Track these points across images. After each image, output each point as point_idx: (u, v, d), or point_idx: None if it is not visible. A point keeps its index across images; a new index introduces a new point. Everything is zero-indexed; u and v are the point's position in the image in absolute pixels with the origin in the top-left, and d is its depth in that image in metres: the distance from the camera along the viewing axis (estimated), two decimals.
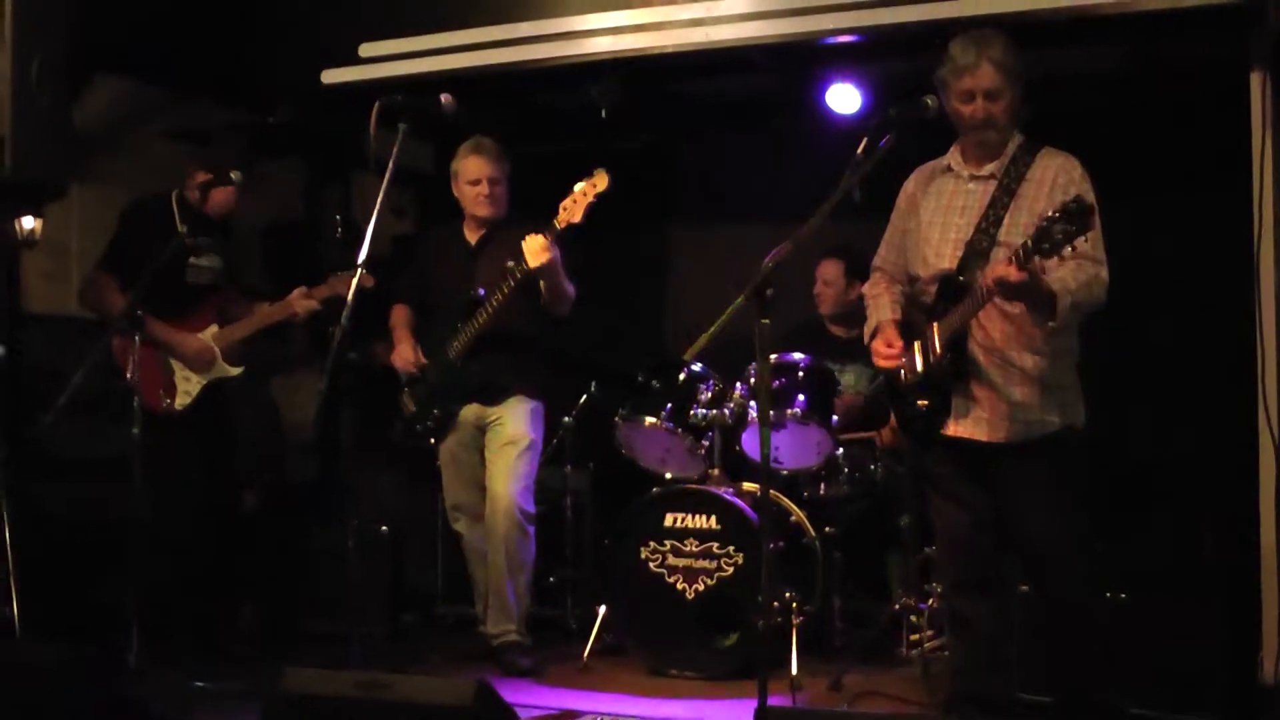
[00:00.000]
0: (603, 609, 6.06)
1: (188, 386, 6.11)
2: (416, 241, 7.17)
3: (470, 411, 6.03)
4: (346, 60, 6.46)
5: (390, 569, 6.77)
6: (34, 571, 5.71)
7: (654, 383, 6.18)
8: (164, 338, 6.05)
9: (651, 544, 5.97)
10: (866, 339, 4.74)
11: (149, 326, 5.83)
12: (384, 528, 6.66)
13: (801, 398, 5.95)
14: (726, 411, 6.03)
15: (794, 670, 5.56)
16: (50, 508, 6.36)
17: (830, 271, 6.77)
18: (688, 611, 5.88)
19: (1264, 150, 5.06)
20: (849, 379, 6.47)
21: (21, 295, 6.79)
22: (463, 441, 6.08)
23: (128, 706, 4.33)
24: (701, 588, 5.87)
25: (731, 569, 5.83)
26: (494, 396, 6.00)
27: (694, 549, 5.90)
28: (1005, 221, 4.40)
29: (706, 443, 6.13)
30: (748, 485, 6.14)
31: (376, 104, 5.06)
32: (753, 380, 5.97)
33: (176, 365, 6.11)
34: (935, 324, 4.44)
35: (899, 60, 6.07)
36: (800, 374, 6.01)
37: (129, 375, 5.65)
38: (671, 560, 5.93)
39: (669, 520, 5.95)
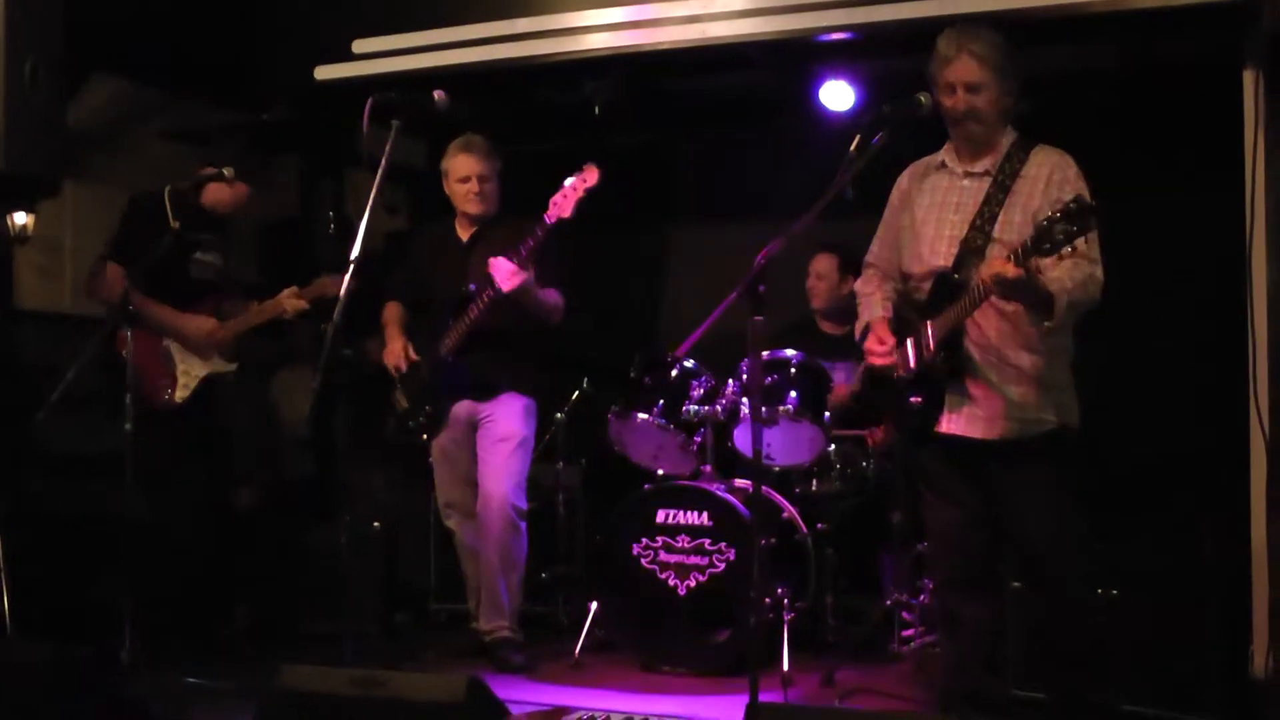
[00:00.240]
0: (595, 605, 6.06)
1: (187, 380, 6.12)
2: (409, 238, 7.17)
3: (462, 408, 6.03)
4: (340, 57, 6.46)
5: (384, 566, 6.79)
6: (27, 569, 5.71)
7: (646, 379, 6.18)
8: (167, 320, 6.05)
9: (643, 540, 5.98)
10: (858, 336, 4.75)
11: (151, 310, 5.86)
12: (377, 525, 6.66)
13: (794, 394, 5.95)
14: (719, 408, 6.04)
15: (786, 666, 5.57)
16: (43, 504, 6.35)
17: (823, 265, 6.78)
18: (680, 608, 5.89)
19: (1257, 148, 5.06)
20: (839, 376, 6.48)
21: (14, 291, 6.79)
22: (455, 438, 6.08)
23: (122, 704, 4.33)
24: (693, 584, 5.88)
25: (723, 565, 5.83)
26: (486, 393, 6.00)
27: (686, 545, 5.90)
28: (1000, 219, 4.40)
29: (699, 439, 6.14)
30: (740, 481, 6.15)
31: (369, 101, 5.06)
32: (745, 377, 5.98)
33: (177, 356, 6.11)
34: (929, 322, 4.44)
35: (893, 57, 6.07)
36: (793, 370, 6.02)
37: (128, 367, 5.67)
38: (663, 556, 5.94)
39: (661, 516, 5.96)
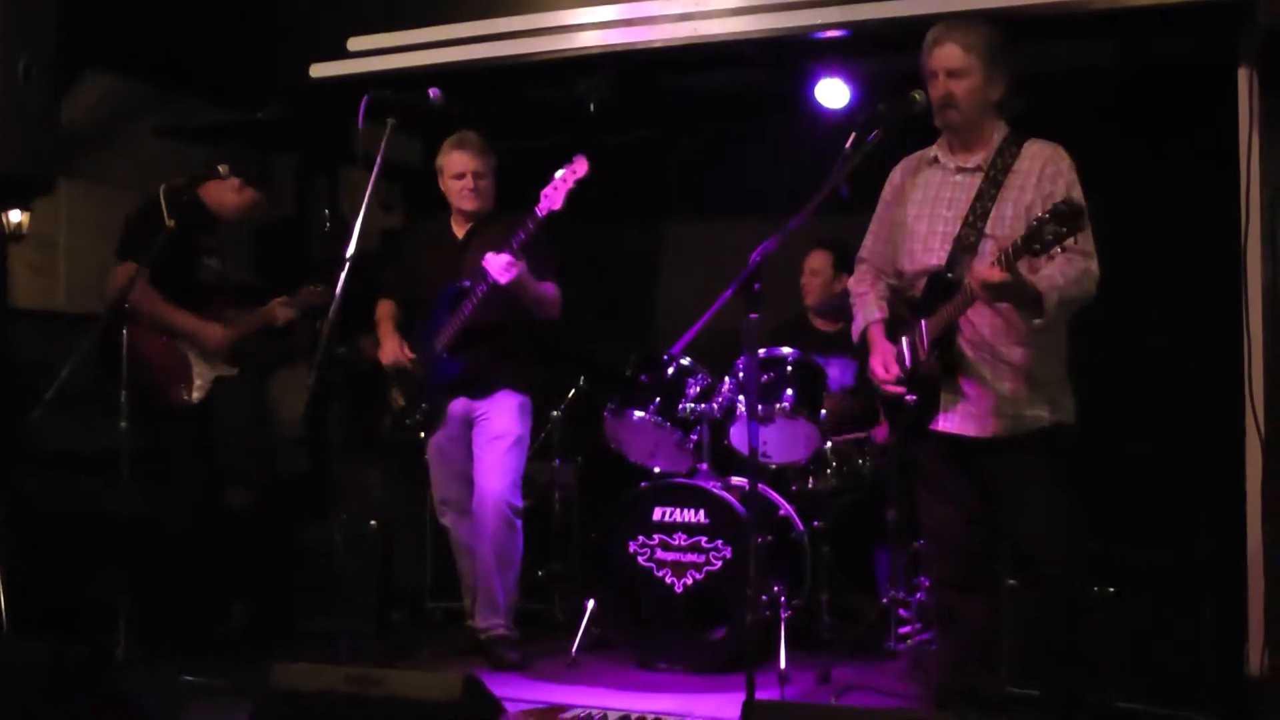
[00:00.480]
0: (591, 603, 6.06)
1: (202, 381, 6.12)
2: (403, 236, 7.17)
3: (458, 405, 6.02)
4: (335, 54, 6.45)
5: (379, 564, 6.78)
6: (22, 567, 5.71)
7: (642, 376, 6.18)
8: (183, 324, 6.05)
9: (640, 538, 5.98)
10: (855, 338, 4.74)
11: (168, 313, 5.91)
12: (373, 523, 6.66)
13: (790, 392, 5.95)
14: (715, 405, 6.04)
15: (782, 664, 5.57)
16: (38, 502, 6.35)
17: (818, 262, 6.77)
18: (676, 605, 5.89)
19: (1251, 147, 5.06)
20: (833, 372, 6.47)
21: (8, 289, 6.78)
22: (450, 436, 6.07)
23: (117, 702, 4.33)
24: (690, 582, 5.88)
25: (720, 563, 5.83)
26: (481, 390, 5.99)
27: (682, 543, 5.90)
28: (992, 214, 4.40)
29: (695, 437, 6.14)
30: (736, 479, 6.15)
31: (365, 98, 5.06)
32: (741, 374, 5.98)
33: (191, 357, 6.11)
34: (924, 320, 4.44)
35: (888, 55, 6.07)
36: (789, 368, 6.01)
37: (146, 368, 5.78)
38: (660, 554, 5.94)
39: (657, 514, 5.96)
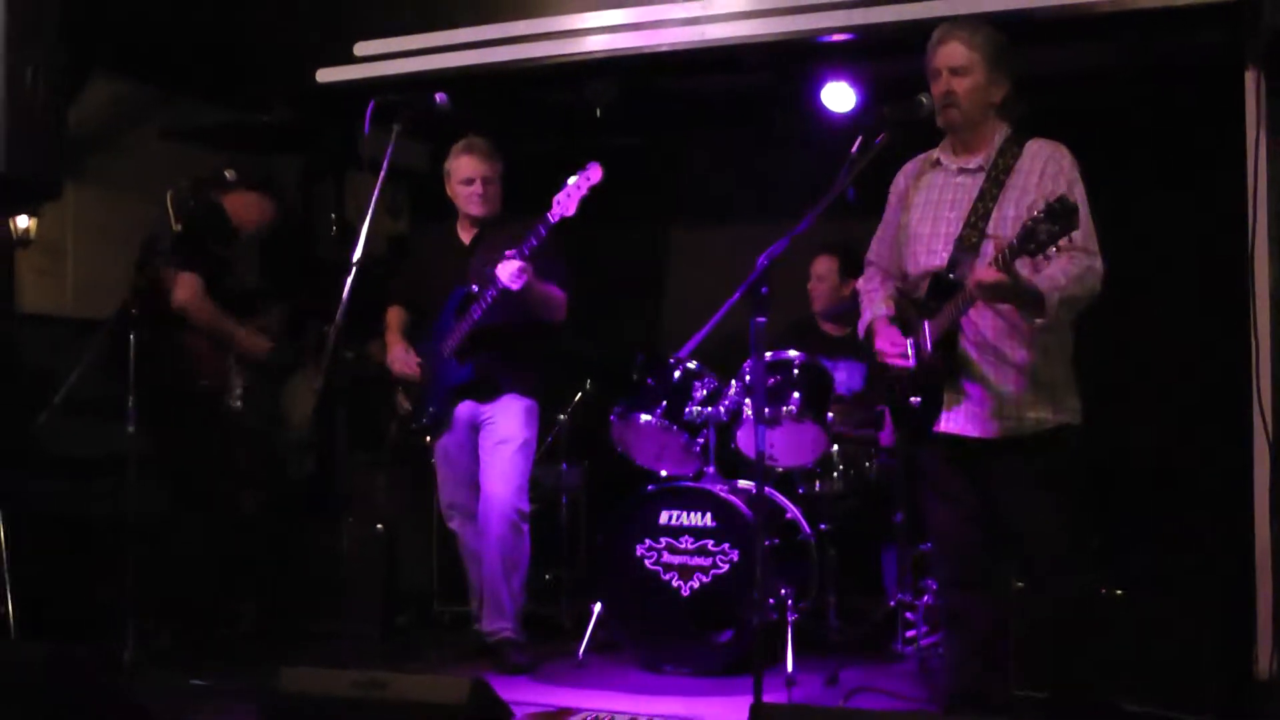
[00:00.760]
0: (598, 606, 6.06)
1: (239, 390, 6.16)
2: (410, 242, 7.18)
3: (464, 410, 6.03)
4: (341, 59, 6.46)
5: (386, 568, 6.77)
6: (29, 570, 5.71)
7: (649, 380, 6.18)
8: (231, 332, 6.13)
9: (647, 541, 5.98)
10: (861, 334, 4.74)
11: (219, 321, 6.05)
12: (379, 526, 6.66)
13: (796, 395, 5.95)
14: (722, 409, 6.04)
15: (789, 667, 5.57)
16: (46, 506, 6.35)
17: (823, 267, 6.78)
18: (683, 608, 5.89)
19: (1258, 147, 5.05)
20: (840, 375, 6.47)
21: (16, 294, 6.79)
22: (457, 440, 6.08)
23: (123, 705, 4.33)
24: (696, 585, 5.88)
25: (727, 566, 5.83)
26: (488, 394, 5.99)
27: (689, 546, 5.90)
28: (994, 215, 4.38)
29: (701, 440, 6.13)
30: (743, 482, 6.15)
31: (371, 103, 5.06)
32: (748, 378, 5.98)
33: (232, 365, 6.14)
34: (927, 321, 4.44)
35: (894, 58, 6.07)
36: (795, 371, 6.01)
37: (198, 375, 5.93)
38: (666, 557, 5.94)
39: (664, 518, 5.96)
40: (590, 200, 5.64)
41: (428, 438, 6.11)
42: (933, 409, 4.46)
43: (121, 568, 5.54)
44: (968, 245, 4.39)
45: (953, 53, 4.43)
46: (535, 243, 5.67)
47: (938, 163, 4.61)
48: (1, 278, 6.66)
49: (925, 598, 5.90)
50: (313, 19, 6.68)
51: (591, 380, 7.03)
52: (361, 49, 6.44)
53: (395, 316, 6.25)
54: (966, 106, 4.45)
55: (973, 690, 4.58)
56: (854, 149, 4.30)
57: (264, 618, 6.58)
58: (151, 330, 5.71)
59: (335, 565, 5.86)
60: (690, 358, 6.08)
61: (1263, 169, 5.05)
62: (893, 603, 6.00)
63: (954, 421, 4.44)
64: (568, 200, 5.64)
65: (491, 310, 5.82)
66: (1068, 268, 4.18)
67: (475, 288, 5.87)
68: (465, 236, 6.12)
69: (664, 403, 6.10)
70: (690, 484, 6.06)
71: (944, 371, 4.42)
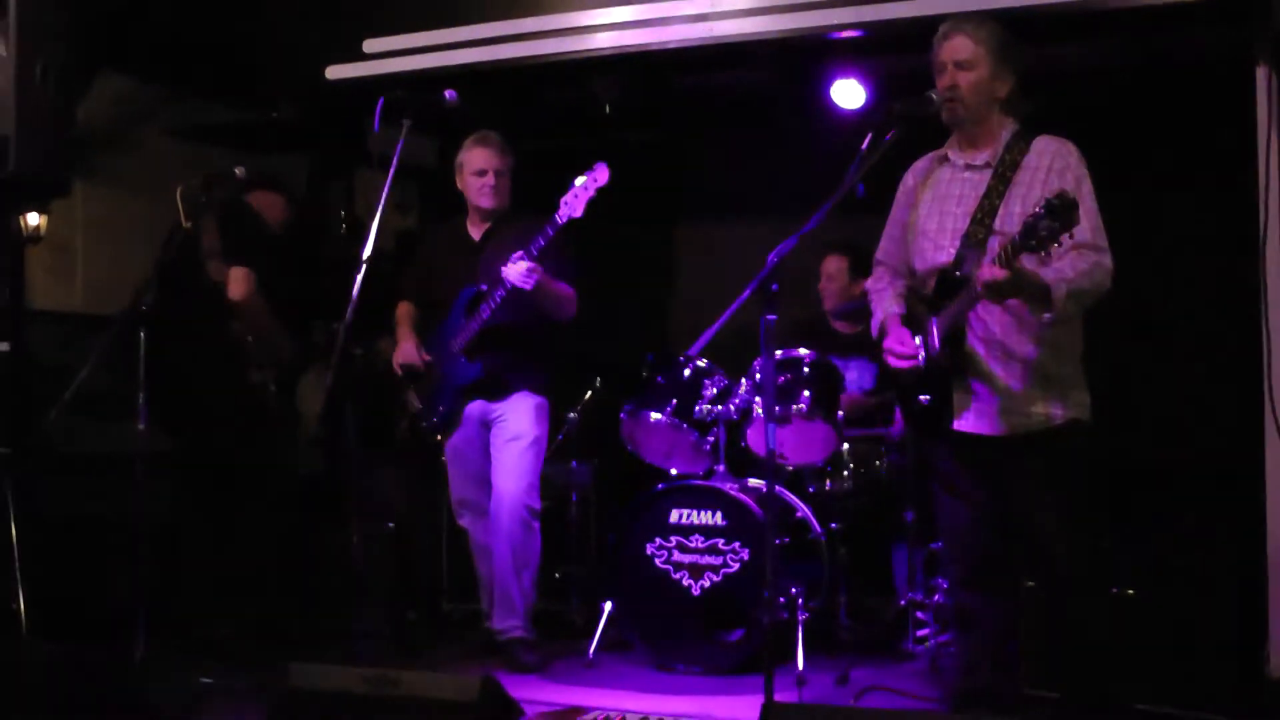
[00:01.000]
0: (608, 605, 6.05)
1: (271, 384, 6.20)
2: (420, 238, 7.18)
3: (475, 407, 6.03)
4: (350, 56, 6.46)
5: (396, 565, 6.78)
6: (40, 568, 5.72)
7: (659, 378, 6.18)
8: (274, 330, 6.15)
9: (657, 540, 5.98)
10: (875, 333, 4.74)
11: (269, 321, 6.12)
12: (390, 524, 6.66)
13: (807, 393, 5.94)
14: (732, 407, 6.03)
15: (800, 666, 5.56)
16: (56, 504, 6.36)
17: (833, 266, 6.77)
18: (693, 607, 5.89)
19: (1269, 145, 5.05)
20: (851, 375, 6.47)
21: (26, 291, 6.80)
22: (467, 437, 6.08)
23: (134, 702, 4.34)
24: (707, 584, 5.88)
25: (737, 565, 5.83)
26: (498, 392, 6.00)
27: (699, 545, 5.90)
28: (1000, 211, 4.37)
29: (712, 438, 6.13)
30: (753, 481, 6.14)
31: (381, 100, 5.06)
32: (758, 376, 5.97)
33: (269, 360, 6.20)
34: (934, 318, 4.43)
35: (903, 55, 6.05)
36: (806, 370, 6.00)
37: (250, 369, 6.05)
38: (677, 556, 5.93)
39: (674, 516, 5.96)
40: (599, 197, 5.64)
41: (438, 435, 6.11)
42: (943, 406, 4.45)
43: (133, 565, 5.54)
44: (974, 241, 4.38)
45: (958, 46, 4.43)
46: (543, 243, 5.67)
47: (945, 159, 4.62)
48: (11, 274, 6.66)
49: (936, 597, 5.89)
50: (321, 16, 6.67)
51: (602, 378, 7.02)
52: (370, 46, 6.44)
53: (406, 312, 6.25)
54: (970, 100, 4.45)
55: (984, 689, 4.58)
56: (864, 146, 4.30)
57: (274, 615, 6.58)
58: (192, 325, 5.73)
59: (346, 562, 5.85)
60: (700, 355, 6.06)
61: (1274, 167, 5.05)
62: (903, 602, 5.99)
63: (964, 420, 4.43)
64: (575, 201, 5.65)
65: (501, 309, 5.82)
66: (1076, 262, 4.18)
67: (484, 286, 5.87)
68: (475, 233, 6.12)
69: (674, 401, 6.09)
70: (700, 482, 6.05)
71: (952, 369, 4.42)
